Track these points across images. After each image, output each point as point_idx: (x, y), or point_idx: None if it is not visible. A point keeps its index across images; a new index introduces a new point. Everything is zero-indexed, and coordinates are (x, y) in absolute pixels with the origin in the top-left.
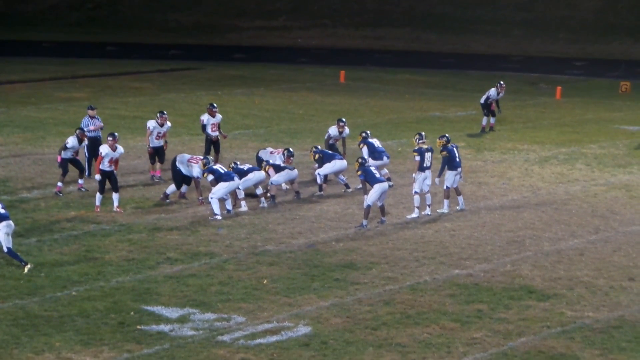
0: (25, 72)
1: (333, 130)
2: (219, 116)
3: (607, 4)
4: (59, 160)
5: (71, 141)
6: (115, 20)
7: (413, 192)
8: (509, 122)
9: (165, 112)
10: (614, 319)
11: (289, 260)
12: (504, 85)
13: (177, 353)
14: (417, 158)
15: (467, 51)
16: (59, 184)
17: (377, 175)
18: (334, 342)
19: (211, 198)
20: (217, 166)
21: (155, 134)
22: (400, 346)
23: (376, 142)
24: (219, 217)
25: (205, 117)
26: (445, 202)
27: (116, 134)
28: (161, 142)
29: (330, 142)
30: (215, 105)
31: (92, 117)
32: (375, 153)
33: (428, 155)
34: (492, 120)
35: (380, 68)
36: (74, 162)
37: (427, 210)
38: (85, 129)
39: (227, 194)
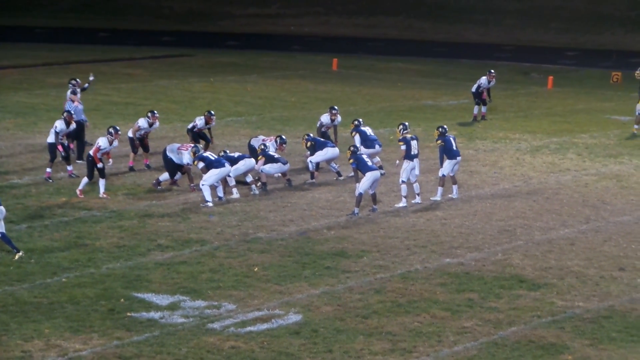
0: (17, 57)
1: (325, 118)
2: (213, 123)
3: None
4: (60, 149)
5: (59, 125)
6: (108, 6)
7: (400, 181)
8: (500, 111)
9: (156, 112)
10: (604, 309)
11: (280, 248)
12: (494, 74)
13: (167, 340)
14: (403, 147)
15: (459, 40)
16: (48, 169)
17: (369, 163)
18: (325, 330)
19: (202, 185)
20: (207, 153)
21: (142, 132)
22: (391, 335)
23: (368, 130)
24: (210, 204)
25: (200, 122)
26: (439, 189)
27: (119, 129)
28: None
29: (323, 129)
30: (213, 113)
31: (74, 101)
32: (367, 141)
33: (414, 143)
34: (483, 109)
35: (373, 56)
36: (61, 147)
37: (418, 199)
38: (72, 112)
39: (218, 180)
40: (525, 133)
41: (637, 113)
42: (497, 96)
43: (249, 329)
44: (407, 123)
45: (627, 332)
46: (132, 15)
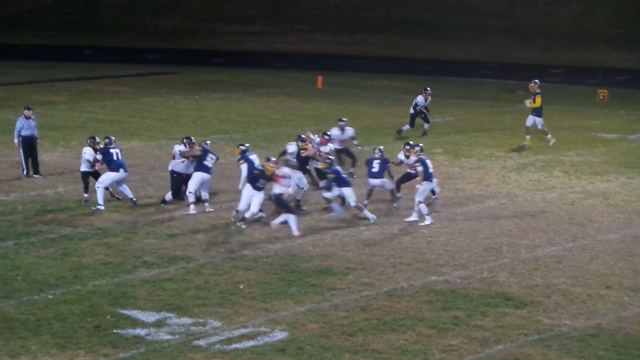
0: (3, 75)
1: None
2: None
3: (585, 11)
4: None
5: (88, 152)
6: (94, 24)
7: (417, 201)
8: (486, 129)
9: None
10: (591, 327)
11: (266, 265)
12: (429, 91)
13: (153, 357)
14: (420, 168)
15: (444, 57)
16: (85, 195)
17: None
18: (310, 348)
19: (97, 187)
20: (115, 152)
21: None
22: (377, 352)
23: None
24: (101, 208)
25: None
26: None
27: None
28: None
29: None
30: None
31: (27, 118)
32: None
33: (429, 163)
34: (425, 125)
35: (358, 74)
36: (95, 174)
37: (414, 217)
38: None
39: (113, 184)
40: (510, 151)
41: (539, 127)
42: (483, 114)
43: (234, 346)
44: (422, 145)
45: (615, 351)
46: (117, 33)
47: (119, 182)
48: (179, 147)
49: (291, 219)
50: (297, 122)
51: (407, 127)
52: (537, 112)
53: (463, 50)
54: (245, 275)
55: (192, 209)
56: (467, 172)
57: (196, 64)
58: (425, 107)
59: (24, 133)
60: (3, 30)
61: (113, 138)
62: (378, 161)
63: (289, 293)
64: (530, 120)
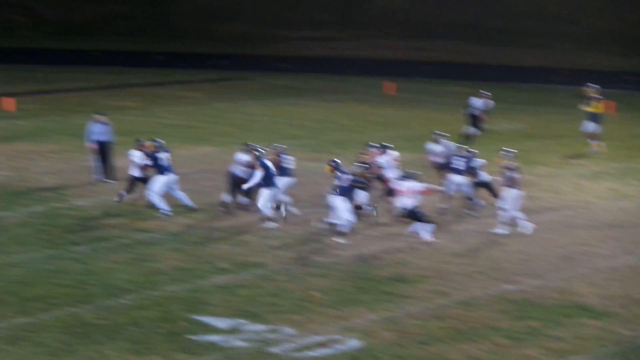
0: (77, 80)
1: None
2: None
3: None
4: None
5: (137, 155)
6: (165, 30)
7: (503, 208)
8: (560, 136)
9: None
10: None
11: (339, 272)
12: (485, 94)
13: None
14: (512, 174)
15: (515, 64)
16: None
17: None
18: (385, 356)
19: (150, 194)
20: (165, 156)
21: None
22: None
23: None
24: (167, 211)
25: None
26: (519, 217)
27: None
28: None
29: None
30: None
31: (100, 123)
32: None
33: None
34: (471, 130)
35: (428, 80)
36: (144, 180)
37: (504, 229)
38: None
39: (164, 189)
40: (584, 158)
41: (583, 129)
42: (556, 120)
43: (309, 353)
44: (516, 151)
45: None
46: (187, 39)
47: (171, 187)
48: (241, 155)
49: (428, 227)
50: (368, 128)
51: (471, 130)
52: (595, 117)
53: (534, 56)
54: (318, 282)
55: (271, 224)
56: (541, 180)
57: (267, 70)
58: (485, 112)
59: (100, 138)
60: (77, 36)
61: (163, 141)
62: (464, 159)
63: (362, 301)
64: (591, 126)
